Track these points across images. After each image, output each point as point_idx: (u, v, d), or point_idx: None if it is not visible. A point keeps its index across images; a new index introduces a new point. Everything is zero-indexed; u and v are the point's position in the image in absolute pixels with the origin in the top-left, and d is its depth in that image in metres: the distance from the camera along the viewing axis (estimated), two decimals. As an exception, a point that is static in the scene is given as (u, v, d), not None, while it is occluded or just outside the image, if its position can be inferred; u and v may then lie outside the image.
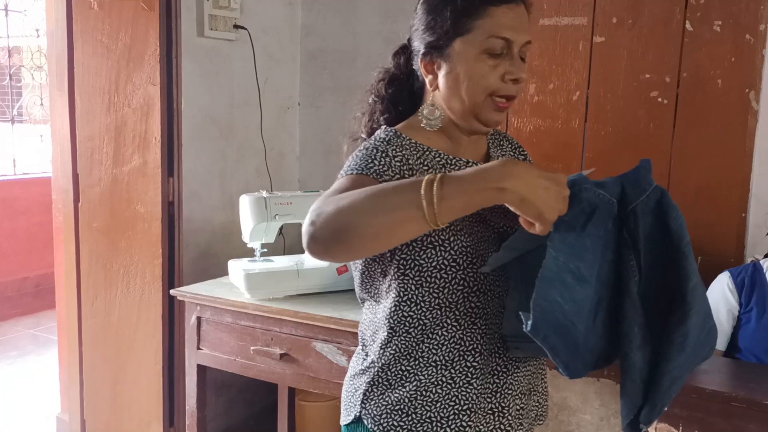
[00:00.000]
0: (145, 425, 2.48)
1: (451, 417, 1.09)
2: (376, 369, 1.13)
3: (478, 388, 1.10)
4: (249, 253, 2.24)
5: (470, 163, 1.15)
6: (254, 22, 2.67)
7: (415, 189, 0.89)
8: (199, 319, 2.13)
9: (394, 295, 1.10)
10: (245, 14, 2.64)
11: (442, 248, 1.06)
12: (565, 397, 2.75)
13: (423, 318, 1.09)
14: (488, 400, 1.11)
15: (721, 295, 1.99)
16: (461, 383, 1.10)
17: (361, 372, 1.17)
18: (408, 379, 1.10)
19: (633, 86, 2.48)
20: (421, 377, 1.09)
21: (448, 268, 1.07)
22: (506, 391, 1.13)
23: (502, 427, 1.13)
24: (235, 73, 2.64)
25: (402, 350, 1.11)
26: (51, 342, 3.96)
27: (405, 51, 1.20)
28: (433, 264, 1.07)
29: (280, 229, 2.28)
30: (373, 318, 1.17)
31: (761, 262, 1.99)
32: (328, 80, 2.98)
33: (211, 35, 2.49)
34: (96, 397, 2.62)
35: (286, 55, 2.91)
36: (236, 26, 2.58)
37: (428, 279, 1.07)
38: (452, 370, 1.09)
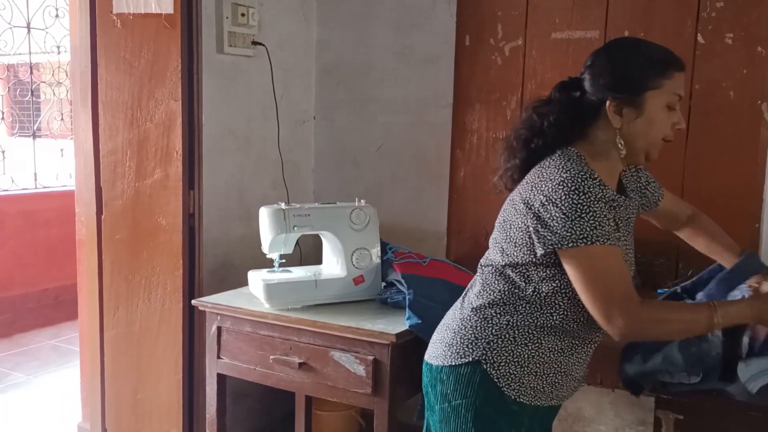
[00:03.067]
0: (166, 434, 2.52)
1: (550, 375, 1.46)
2: (505, 325, 1.45)
3: (576, 357, 1.48)
4: (267, 263, 2.28)
5: (624, 199, 1.48)
6: (271, 38, 2.73)
7: (707, 326, 1.37)
8: (219, 328, 2.17)
9: (546, 285, 1.43)
10: (263, 31, 2.70)
11: None
12: (580, 408, 2.76)
13: (562, 303, 1.43)
14: (576, 368, 1.50)
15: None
16: (568, 352, 1.47)
17: (486, 324, 1.46)
18: (531, 340, 1.44)
19: (645, 98, 2.51)
20: (543, 342, 1.44)
21: None
22: (584, 362, 1.52)
23: (574, 388, 1.53)
24: (253, 88, 2.70)
25: (534, 319, 1.44)
26: (71, 352, 4.02)
27: (577, 86, 1.48)
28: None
29: (297, 241, 2.32)
30: (510, 287, 1.46)
31: None
32: (343, 94, 3.03)
33: (230, 51, 2.54)
34: (117, 405, 2.66)
35: (301, 70, 2.97)
36: (254, 42, 2.64)
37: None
38: (566, 341, 1.45)
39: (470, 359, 1.45)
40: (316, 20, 3.03)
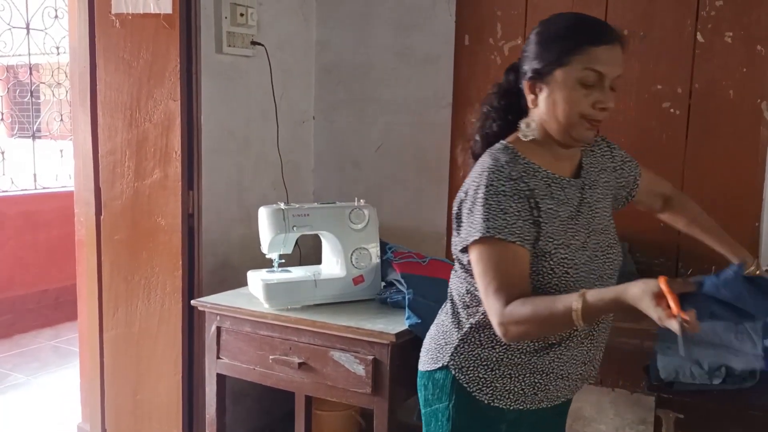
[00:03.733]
0: (165, 434, 2.52)
1: (527, 376, 1.38)
2: (469, 328, 1.40)
3: (552, 356, 1.38)
4: (266, 264, 2.28)
5: (569, 181, 1.39)
6: (270, 38, 2.73)
7: (569, 323, 1.21)
8: (218, 329, 2.17)
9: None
10: (262, 31, 2.70)
11: (544, 260, 1.32)
12: (580, 407, 2.76)
13: None
14: (560, 367, 1.39)
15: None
16: (542, 352, 1.37)
17: (454, 328, 1.43)
18: (498, 342, 1.36)
19: (645, 97, 2.51)
20: (510, 344, 1.36)
21: (547, 274, 1.32)
22: (572, 360, 1.40)
23: (566, 387, 1.42)
24: (252, 88, 2.70)
25: None
26: (71, 353, 4.02)
27: (515, 70, 1.41)
28: (535, 269, 1.32)
29: (297, 241, 2.32)
30: (469, 287, 1.40)
31: None
32: (342, 94, 3.03)
33: (229, 52, 2.54)
34: (117, 406, 2.66)
35: (301, 70, 2.97)
36: (253, 42, 2.64)
37: (533, 280, 1.32)
38: (536, 341, 1.36)
39: (441, 364, 1.43)
40: (316, 20, 3.03)
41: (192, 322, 2.45)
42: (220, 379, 2.20)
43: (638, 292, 1.11)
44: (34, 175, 5.11)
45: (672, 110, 2.47)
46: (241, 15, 2.53)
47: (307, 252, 2.74)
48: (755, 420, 1.47)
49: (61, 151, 5.37)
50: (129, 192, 2.51)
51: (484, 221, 1.27)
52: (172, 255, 2.43)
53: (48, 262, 5.03)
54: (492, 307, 1.27)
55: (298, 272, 2.25)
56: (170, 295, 2.45)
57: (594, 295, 1.18)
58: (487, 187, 1.29)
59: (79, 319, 2.99)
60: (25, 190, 5.14)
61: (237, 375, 2.17)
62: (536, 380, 1.39)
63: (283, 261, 2.26)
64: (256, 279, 2.16)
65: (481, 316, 1.37)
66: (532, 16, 2.66)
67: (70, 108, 3.28)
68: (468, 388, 1.39)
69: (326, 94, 3.07)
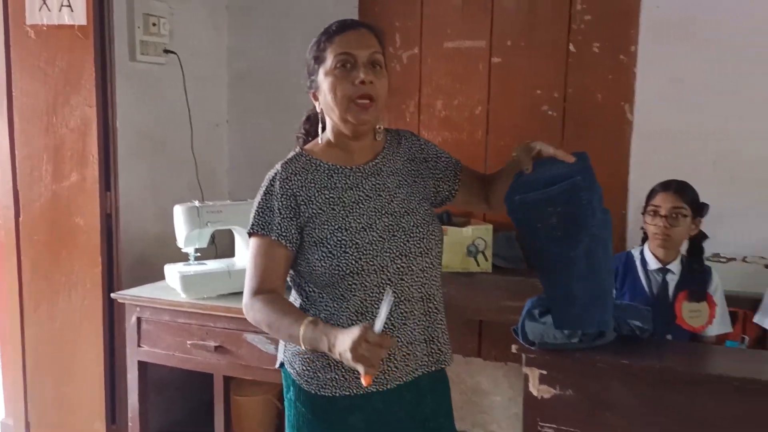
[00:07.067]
0: (89, 424, 2.63)
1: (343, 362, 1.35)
2: None
3: None
4: (183, 259, 2.44)
5: (354, 169, 1.47)
6: (183, 46, 2.88)
7: (295, 336, 1.31)
8: (139, 319, 2.32)
9: (298, 281, 1.48)
10: (175, 39, 2.85)
11: (322, 245, 1.40)
12: (478, 382, 3.04)
13: (313, 293, 1.45)
14: None
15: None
16: None
17: None
18: None
19: (527, 101, 2.80)
20: None
21: (326, 258, 1.39)
22: (402, 336, 1.42)
23: (394, 370, 1.42)
24: (166, 94, 2.85)
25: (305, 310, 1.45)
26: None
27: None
28: (316, 257, 1.40)
29: (213, 237, 2.49)
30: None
31: (632, 251, 2.27)
32: (255, 99, 3.20)
33: (142, 59, 2.69)
34: (40, 400, 2.75)
35: (214, 76, 3.13)
36: (166, 51, 2.79)
37: (315, 268, 1.40)
38: (345, 325, 1.38)
39: (280, 361, 1.54)
40: (227, 29, 3.20)
41: (113, 315, 2.58)
42: (142, 366, 2.35)
43: (341, 353, 1.21)
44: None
45: (550, 113, 2.77)
46: (154, 25, 2.68)
47: (224, 248, 2.90)
48: (601, 371, 1.75)
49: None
50: (47, 194, 2.61)
51: (253, 217, 1.43)
52: (92, 253, 2.56)
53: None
54: (244, 293, 1.43)
55: (213, 265, 2.43)
56: (91, 291, 2.57)
57: (316, 335, 1.27)
58: (263, 188, 1.44)
59: (0, 317, 3.04)
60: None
61: (157, 361, 2.32)
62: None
63: (199, 255, 2.43)
64: (174, 271, 2.32)
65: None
66: (427, 27, 2.92)
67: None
68: (298, 382, 1.45)
69: (239, 99, 3.24)
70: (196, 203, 2.33)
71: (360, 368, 1.19)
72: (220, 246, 2.85)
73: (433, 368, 1.50)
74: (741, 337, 2.20)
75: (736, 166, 2.50)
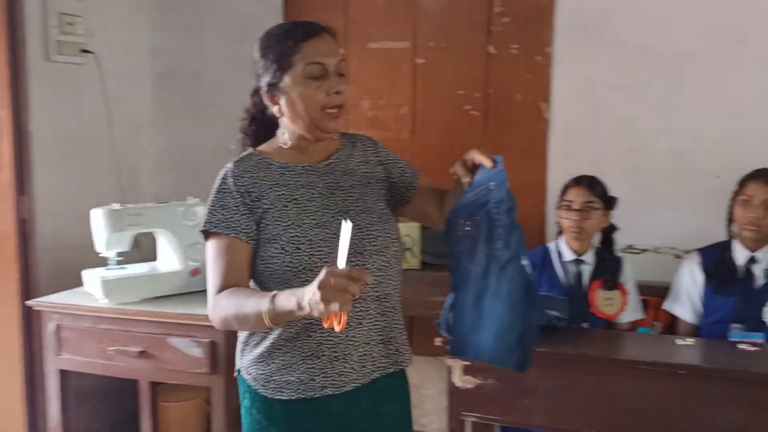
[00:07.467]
0: (7, 437, 2.54)
1: (299, 363, 1.39)
2: (245, 333, 1.48)
3: (319, 338, 1.39)
4: (104, 264, 2.38)
5: (307, 167, 1.47)
6: (102, 45, 2.81)
7: (261, 321, 1.26)
8: (58, 326, 2.25)
9: (254, 279, 1.45)
10: (94, 38, 2.77)
11: (276, 242, 1.39)
12: (410, 376, 3.07)
13: (269, 291, 1.36)
14: (332, 349, 1.39)
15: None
16: (303, 335, 1.39)
17: (240, 334, 1.51)
18: (265, 338, 1.42)
19: (450, 101, 2.86)
20: (273, 335, 1.41)
21: (279, 255, 1.38)
22: (348, 342, 1.40)
23: (351, 371, 1.41)
24: (85, 95, 2.77)
25: None
26: None
27: (258, 91, 1.49)
28: (269, 254, 1.38)
29: (137, 241, 2.44)
30: None
31: (549, 245, 2.35)
32: (178, 100, 3.15)
33: (58, 60, 2.60)
34: (-47, 416, 2.63)
35: (135, 77, 3.06)
36: (83, 50, 2.71)
37: (269, 264, 1.39)
38: (295, 328, 1.39)
39: (237, 368, 1.51)
40: (148, 28, 3.13)
41: (30, 323, 2.49)
42: (63, 374, 2.28)
43: (309, 299, 1.16)
44: None
45: (472, 112, 2.85)
46: (69, 24, 2.61)
47: (149, 251, 2.84)
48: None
49: None
50: (-42, 200, 2.51)
51: (207, 216, 1.41)
52: (7, 260, 2.47)
53: None
54: (208, 296, 1.39)
55: (136, 268, 2.38)
56: (6, 299, 2.48)
57: (282, 298, 1.23)
58: (216, 187, 1.43)
59: None
60: None
61: (78, 369, 2.26)
62: (309, 365, 1.39)
63: (122, 259, 2.37)
64: (94, 276, 2.27)
65: None
66: (352, 28, 2.95)
67: None
68: (254, 387, 1.44)
69: (162, 99, 3.18)
70: (116, 206, 2.28)
71: (334, 307, 1.12)
72: (145, 250, 2.79)
73: (391, 370, 1.48)
74: (652, 323, 2.31)
75: (646, 161, 2.63)
